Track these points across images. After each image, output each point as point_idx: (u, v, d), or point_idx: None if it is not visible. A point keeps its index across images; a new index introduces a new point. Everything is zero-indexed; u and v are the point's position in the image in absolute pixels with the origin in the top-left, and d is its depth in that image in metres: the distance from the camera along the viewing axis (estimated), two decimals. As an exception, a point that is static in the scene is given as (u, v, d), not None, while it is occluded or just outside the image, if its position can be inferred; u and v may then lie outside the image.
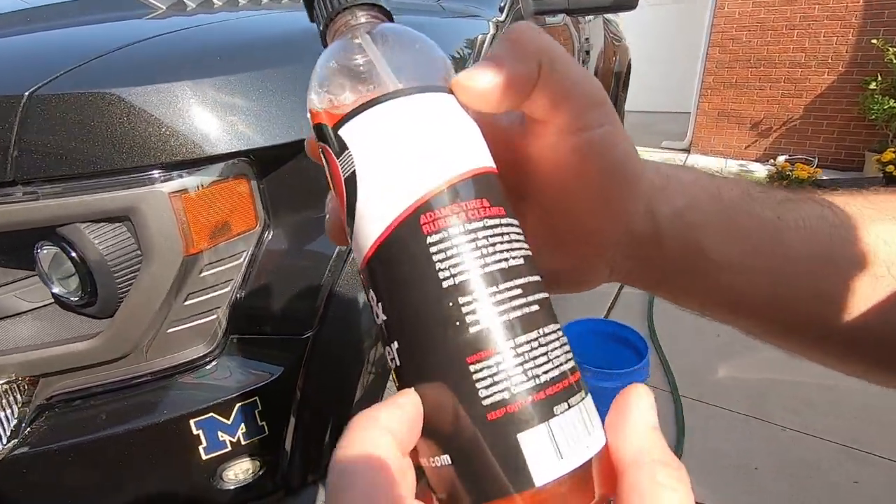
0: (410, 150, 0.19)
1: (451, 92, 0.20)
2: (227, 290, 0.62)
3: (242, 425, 0.59)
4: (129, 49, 0.61)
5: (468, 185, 0.19)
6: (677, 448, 1.47)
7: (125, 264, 0.56)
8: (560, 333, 0.19)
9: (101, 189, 0.54)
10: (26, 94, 0.51)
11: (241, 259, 0.63)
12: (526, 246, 0.20)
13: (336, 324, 0.65)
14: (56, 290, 0.56)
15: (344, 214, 0.20)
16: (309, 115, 0.21)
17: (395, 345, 0.19)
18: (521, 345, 0.17)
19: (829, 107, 4.10)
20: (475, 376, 0.17)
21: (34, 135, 0.51)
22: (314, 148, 0.22)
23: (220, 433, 0.58)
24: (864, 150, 3.93)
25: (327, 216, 0.24)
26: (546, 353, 0.18)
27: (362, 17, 0.22)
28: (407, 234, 0.18)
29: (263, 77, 0.64)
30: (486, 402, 0.17)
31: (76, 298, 0.56)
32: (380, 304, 0.19)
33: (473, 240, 0.18)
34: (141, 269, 0.56)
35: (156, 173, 0.56)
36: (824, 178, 3.80)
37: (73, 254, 0.54)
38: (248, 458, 0.60)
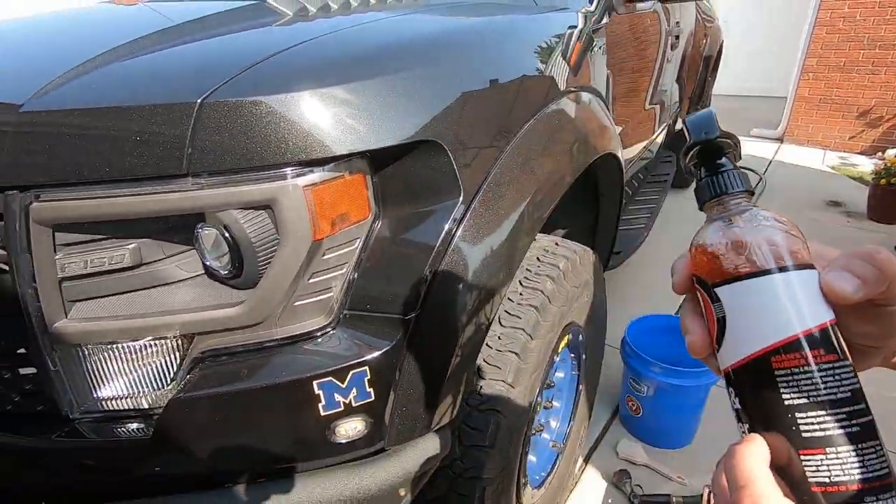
0: (768, 314, 0.29)
1: (801, 267, 0.29)
2: (342, 271, 0.71)
3: (354, 390, 0.68)
4: (272, 59, 0.70)
5: (808, 339, 0.28)
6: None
7: (266, 246, 0.66)
8: (878, 446, 0.27)
9: (251, 182, 0.64)
10: (198, 101, 0.61)
11: (355, 245, 0.72)
12: (855, 381, 0.28)
13: (436, 308, 0.72)
14: (210, 263, 0.68)
15: (713, 339, 0.31)
16: (692, 263, 0.32)
17: (747, 426, 0.30)
18: (841, 452, 0.26)
19: (957, 95, 3.65)
20: (804, 464, 0.27)
21: (203, 135, 0.61)
22: (687, 284, 0.33)
23: (335, 395, 0.68)
24: None
25: (690, 335, 0.33)
26: (862, 460, 0.26)
27: (739, 200, 0.32)
28: (760, 366, 0.28)
29: (379, 84, 0.71)
30: (811, 480, 0.27)
31: (226, 272, 0.67)
32: (737, 398, 0.30)
33: (808, 377, 0.27)
34: (278, 250, 0.66)
35: (291, 169, 0.65)
36: (942, 175, 3.39)
37: (227, 235, 0.65)
38: (356, 418, 0.70)
